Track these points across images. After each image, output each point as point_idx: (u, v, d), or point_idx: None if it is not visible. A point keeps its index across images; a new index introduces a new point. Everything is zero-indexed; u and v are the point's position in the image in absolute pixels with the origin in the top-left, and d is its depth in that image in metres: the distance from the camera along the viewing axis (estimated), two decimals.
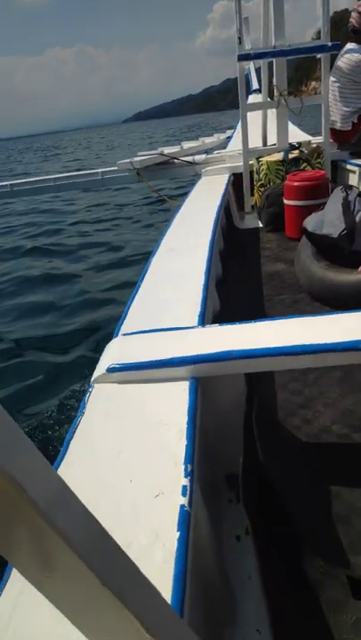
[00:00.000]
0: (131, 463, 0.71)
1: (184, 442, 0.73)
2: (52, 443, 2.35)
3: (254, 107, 3.82)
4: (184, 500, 0.62)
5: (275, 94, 3.37)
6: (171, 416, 0.80)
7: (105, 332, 3.46)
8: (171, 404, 0.83)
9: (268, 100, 3.71)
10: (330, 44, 3.15)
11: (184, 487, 0.64)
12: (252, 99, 5.80)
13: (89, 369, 2.88)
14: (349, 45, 3.34)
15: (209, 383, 0.95)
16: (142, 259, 4.95)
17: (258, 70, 6.01)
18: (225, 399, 1.01)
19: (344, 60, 3.28)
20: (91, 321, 3.86)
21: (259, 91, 5.41)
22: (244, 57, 3.23)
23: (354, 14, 3.32)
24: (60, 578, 0.35)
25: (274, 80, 3.35)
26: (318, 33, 3.28)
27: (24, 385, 3.01)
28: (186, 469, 0.68)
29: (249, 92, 6.65)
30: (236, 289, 2.09)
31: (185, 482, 0.65)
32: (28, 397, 2.85)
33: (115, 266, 5.39)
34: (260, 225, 3.12)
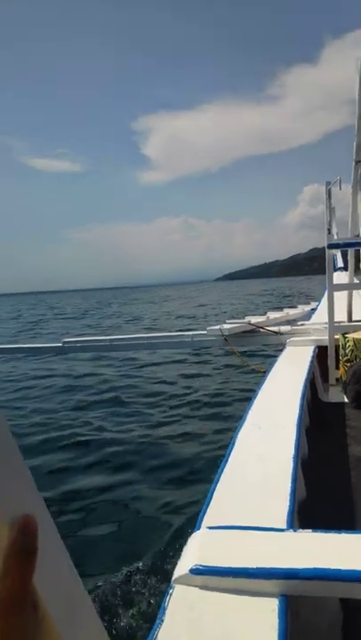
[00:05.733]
0: None
1: None
2: None
3: (341, 287, 4.05)
4: None
5: None
6: None
7: (185, 513, 3.21)
8: (258, 625, 0.78)
9: (356, 281, 3.93)
10: None
11: None
12: (337, 276, 6.15)
13: (168, 558, 2.55)
14: None
15: (300, 602, 0.88)
16: (226, 429, 4.73)
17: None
18: (318, 625, 0.92)
19: None
20: (171, 498, 3.57)
21: (344, 268, 5.77)
22: (333, 246, 3.56)
23: None
24: None
25: None
26: None
27: (101, 575, 2.63)
28: None
29: (334, 269, 7.07)
30: (322, 473, 1.99)
31: None
32: (106, 593, 2.49)
33: (197, 435, 4.98)
34: (346, 400, 3.06)
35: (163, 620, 0.82)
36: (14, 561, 0.34)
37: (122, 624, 2.25)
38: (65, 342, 4.70)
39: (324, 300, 3.59)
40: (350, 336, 3.33)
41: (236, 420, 1.93)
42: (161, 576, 2.46)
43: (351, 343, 3.27)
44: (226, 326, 4.09)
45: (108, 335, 4.53)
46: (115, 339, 4.54)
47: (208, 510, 1.18)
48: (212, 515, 1.15)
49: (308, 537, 0.98)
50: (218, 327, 4.07)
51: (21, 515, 0.35)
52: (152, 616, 0.86)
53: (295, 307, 5.88)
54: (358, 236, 3.57)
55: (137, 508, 3.50)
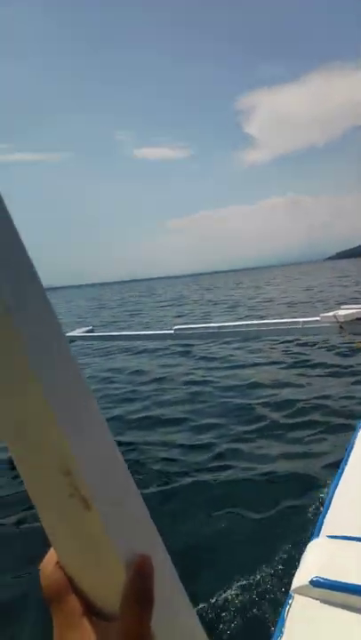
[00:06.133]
0: None
1: None
2: None
3: None
4: None
5: None
6: None
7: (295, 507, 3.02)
8: None
9: None
10: None
11: None
12: None
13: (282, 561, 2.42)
14: None
15: None
16: (343, 428, 4.32)
17: None
18: None
19: None
20: (280, 492, 3.39)
21: None
22: None
23: None
24: None
25: None
26: None
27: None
28: None
29: None
30: None
31: None
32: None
33: (310, 435, 4.39)
34: None
35: (282, 633, 0.78)
36: (131, 603, 0.33)
37: (237, 631, 2.15)
38: (176, 329, 4.80)
39: None
40: None
41: (352, 415, 1.79)
42: (278, 581, 2.37)
43: None
44: (341, 312, 3.81)
45: (215, 322, 4.48)
46: (222, 325, 4.51)
47: (327, 516, 1.09)
48: (331, 522, 1.07)
49: None
50: (332, 313, 3.81)
51: (138, 555, 0.33)
52: (269, 623, 0.82)
53: None
54: None
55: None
